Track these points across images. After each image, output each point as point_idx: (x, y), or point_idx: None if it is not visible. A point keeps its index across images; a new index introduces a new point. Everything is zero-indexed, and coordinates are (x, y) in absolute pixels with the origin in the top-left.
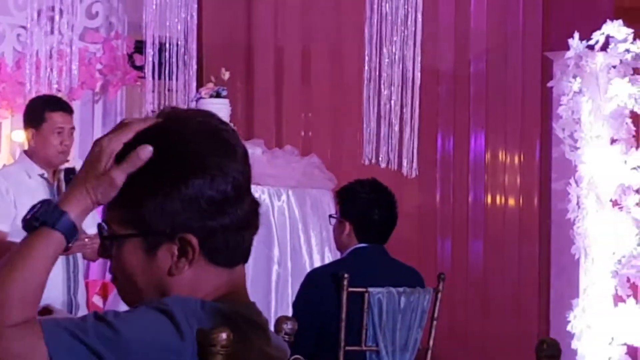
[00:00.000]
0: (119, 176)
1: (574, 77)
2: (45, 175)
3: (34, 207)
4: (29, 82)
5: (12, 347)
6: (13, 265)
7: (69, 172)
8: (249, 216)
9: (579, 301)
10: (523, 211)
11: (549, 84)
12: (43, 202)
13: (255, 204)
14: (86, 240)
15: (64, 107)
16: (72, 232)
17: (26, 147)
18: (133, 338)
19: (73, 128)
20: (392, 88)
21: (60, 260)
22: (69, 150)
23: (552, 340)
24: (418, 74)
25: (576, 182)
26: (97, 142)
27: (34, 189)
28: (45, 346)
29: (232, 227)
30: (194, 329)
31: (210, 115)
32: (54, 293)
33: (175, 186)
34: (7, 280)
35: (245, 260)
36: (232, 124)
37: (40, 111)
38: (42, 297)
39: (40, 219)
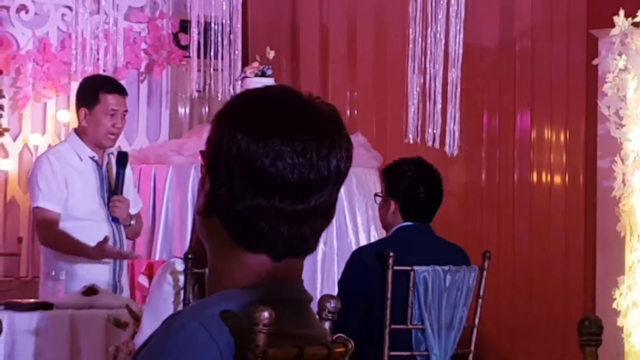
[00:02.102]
0: None
1: (619, 54)
2: (96, 157)
3: None
4: (74, 62)
5: None
6: None
7: (122, 155)
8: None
9: (625, 278)
10: (568, 189)
11: (594, 62)
12: None
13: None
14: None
15: (119, 90)
16: None
17: (75, 126)
18: None
19: (126, 111)
20: (437, 66)
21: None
22: (120, 133)
23: (594, 317)
24: (461, 52)
25: (622, 159)
26: None
27: (85, 172)
28: None
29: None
30: (214, 334)
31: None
32: (100, 276)
33: None
34: None
35: (297, 254)
36: None
37: (95, 92)
38: (89, 278)
39: None
